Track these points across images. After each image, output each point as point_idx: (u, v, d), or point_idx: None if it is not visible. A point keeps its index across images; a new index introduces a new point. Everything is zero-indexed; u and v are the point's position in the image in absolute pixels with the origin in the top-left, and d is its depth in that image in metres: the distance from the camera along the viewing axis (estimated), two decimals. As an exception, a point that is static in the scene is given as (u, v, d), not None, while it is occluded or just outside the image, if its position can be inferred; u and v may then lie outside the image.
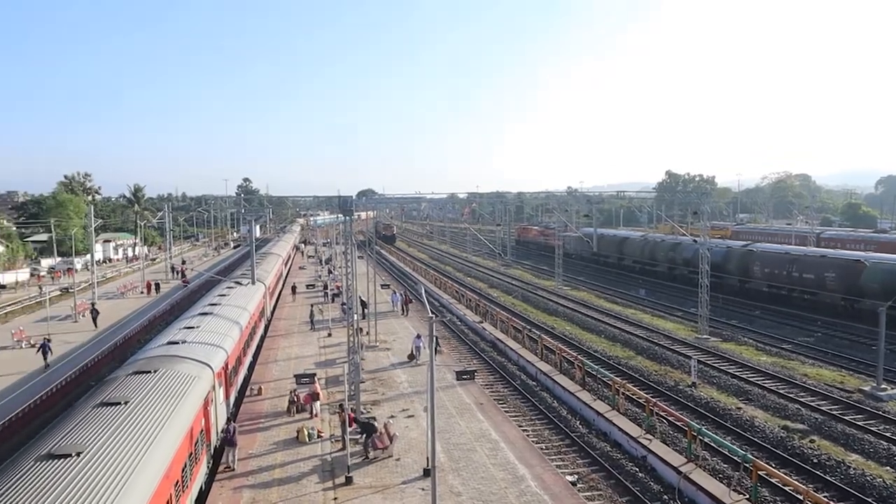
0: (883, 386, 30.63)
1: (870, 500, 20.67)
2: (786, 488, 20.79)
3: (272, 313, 52.95)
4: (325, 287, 62.97)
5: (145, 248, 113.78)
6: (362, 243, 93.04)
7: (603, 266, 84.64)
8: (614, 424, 26.74)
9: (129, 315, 54.91)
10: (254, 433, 25.76)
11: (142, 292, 68.95)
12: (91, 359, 39.64)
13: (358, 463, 22.49)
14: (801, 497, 19.13)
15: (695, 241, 54.21)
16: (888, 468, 23.09)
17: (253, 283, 46.42)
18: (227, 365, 26.49)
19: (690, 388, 32.05)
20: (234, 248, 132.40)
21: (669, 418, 26.59)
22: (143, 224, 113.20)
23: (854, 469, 22.66)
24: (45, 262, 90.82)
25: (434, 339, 19.21)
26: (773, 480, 21.22)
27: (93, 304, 53.03)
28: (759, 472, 20.67)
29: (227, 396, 26.55)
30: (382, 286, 60.29)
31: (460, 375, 26.51)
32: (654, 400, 27.50)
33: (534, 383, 34.64)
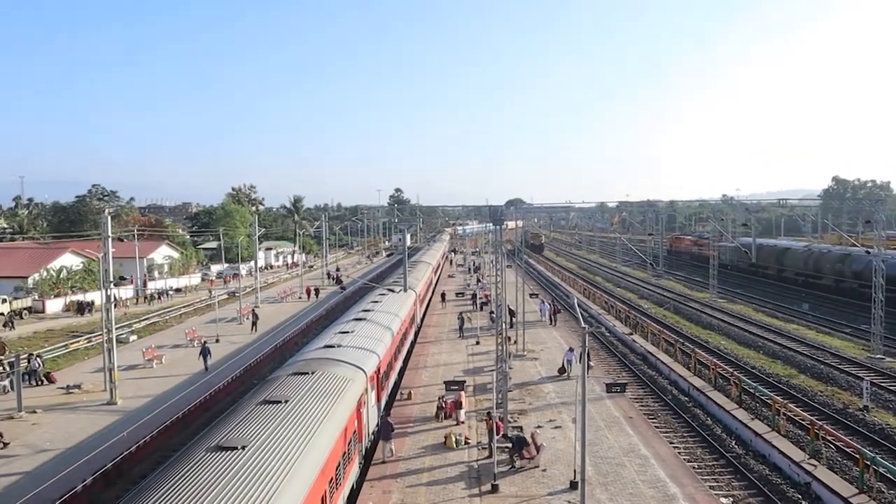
0: None
1: None
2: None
3: (422, 320, 54.27)
4: (474, 296, 63.75)
5: (303, 256, 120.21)
6: (511, 252, 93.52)
7: (761, 278, 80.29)
8: (774, 446, 25.27)
9: (288, 319, 58.21)
10: (403, 437, 26.50)
11: (300, 297, 72.89)
12: (254, 359, 42.39)
13: (504, 471, 22.58)
14: None
15: (867, 251, 50.27)
16: None
17: (405, 290, 47.83)
18: (379, 369, 27.44)
19: (862, 412, 29.67)
20: (387, 256, 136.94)
21: (837, 443, 24.81)
22: (301, 233, 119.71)
23: None
24: (214, 268, 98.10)
25: (587, 352, 18.96)
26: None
27: (253, 310, 56.37)
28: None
29: (378, 399, 27.49)
30: (531, 295, 60.21)
31: (610, 388, 26.12)
32: (819, 423, 25.77)
33: (686, 399, 33.41)
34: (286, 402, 18.40)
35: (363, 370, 24.32)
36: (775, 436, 26.14)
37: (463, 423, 27.69)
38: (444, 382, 29.45)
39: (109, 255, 34.78)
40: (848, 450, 23.94)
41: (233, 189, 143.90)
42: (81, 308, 62.56)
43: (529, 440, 24.21)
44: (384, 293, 45.35)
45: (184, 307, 65.96)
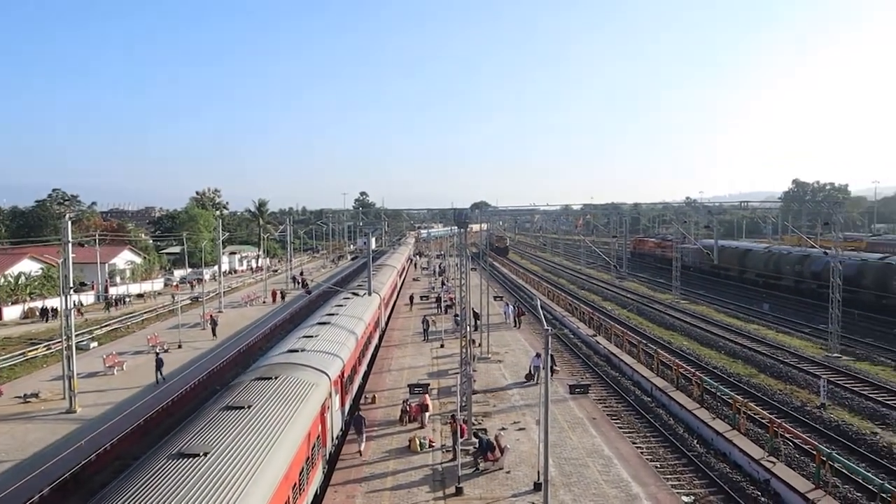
0: None
1: None
2: (927, 520, 19.31)
3: (387, 323, 54.12)
4: (438, 298, 63.75)
5: (267, 260, 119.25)
6: (475, 255, 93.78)
7: (723, 279, 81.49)
8: (734, 445, 25.64)
9: (252, 324, 57.72)
10: (367, 441, 26.36)
11: (264, 302, 72.27)
12: (216, 366, 41.88)
13: (468, 474, 22.58)
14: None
15: (825, 252, 51.34)
16: None
17: (369, 294, 47.65)
18: (343, 373, 27.29)
19: (819, 410, 30.27)
20: (352, 259, 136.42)
21: (796, 441, 25.28)
22: (266, 237, 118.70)
23: None
24: (178, 273, 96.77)
25: (550, 356, 19.04)
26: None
27: (212, 315, 55.80)
28: (897, 502, 19.30)
29: (342, 403, 27.34)
30: (495, 298, 60.38)
31: (574, 389, 26.25)
32: (778, 420, 26.22)
33: (648, 399, 33.75)
34: (249, 407, 18.23)
35: (327, 374, 24.17)
36: (736, 434, 26.52)
37: (426, 426, 27.67)
38: (409, 386, 29.36)
39: (70, 261, 34.12)
40: (805, 446, 24.42)
41: (197, 193, 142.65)
42: (45, 314, 61.36)
43: (494, 442, 24.24)
44: (349, 297, 45.16)
45: (145, 313, 64.89)
